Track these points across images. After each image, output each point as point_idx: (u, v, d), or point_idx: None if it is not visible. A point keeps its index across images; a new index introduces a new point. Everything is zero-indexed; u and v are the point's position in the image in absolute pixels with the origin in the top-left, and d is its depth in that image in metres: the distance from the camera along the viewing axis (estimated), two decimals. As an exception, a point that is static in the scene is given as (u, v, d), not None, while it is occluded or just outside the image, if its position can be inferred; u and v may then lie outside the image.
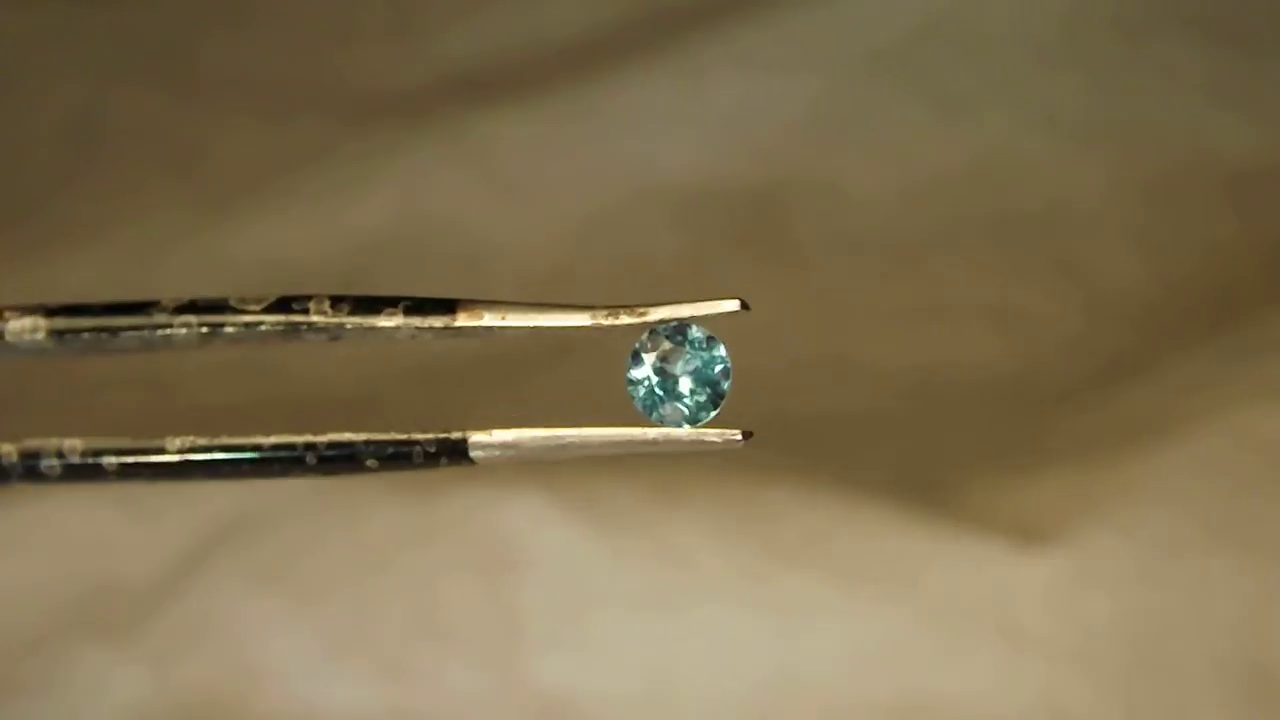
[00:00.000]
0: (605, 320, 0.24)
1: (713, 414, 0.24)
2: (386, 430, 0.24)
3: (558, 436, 0.24)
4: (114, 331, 0.25)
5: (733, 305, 0.23)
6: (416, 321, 0.24)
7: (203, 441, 0.25)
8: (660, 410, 0.24)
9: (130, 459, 0.25)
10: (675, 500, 0.46)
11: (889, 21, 0.58)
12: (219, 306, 0.25)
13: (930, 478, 0.47)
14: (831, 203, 0.56)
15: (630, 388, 0.24)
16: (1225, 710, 0.43)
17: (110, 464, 0.25)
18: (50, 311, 0.25)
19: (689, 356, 0.24)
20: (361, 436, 0.24)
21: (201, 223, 0.56)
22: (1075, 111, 0.58)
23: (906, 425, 0.50)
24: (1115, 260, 0.54)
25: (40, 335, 0.25)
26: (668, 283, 0.54)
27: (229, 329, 0.25)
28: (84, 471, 0.25)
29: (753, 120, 0.58)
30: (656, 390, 0.24)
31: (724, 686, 0.44)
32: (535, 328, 0.24)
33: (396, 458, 0.24)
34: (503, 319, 0.24)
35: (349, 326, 0.24)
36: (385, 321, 0.25)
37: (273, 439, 0.25)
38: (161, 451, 0.25)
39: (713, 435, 0.24)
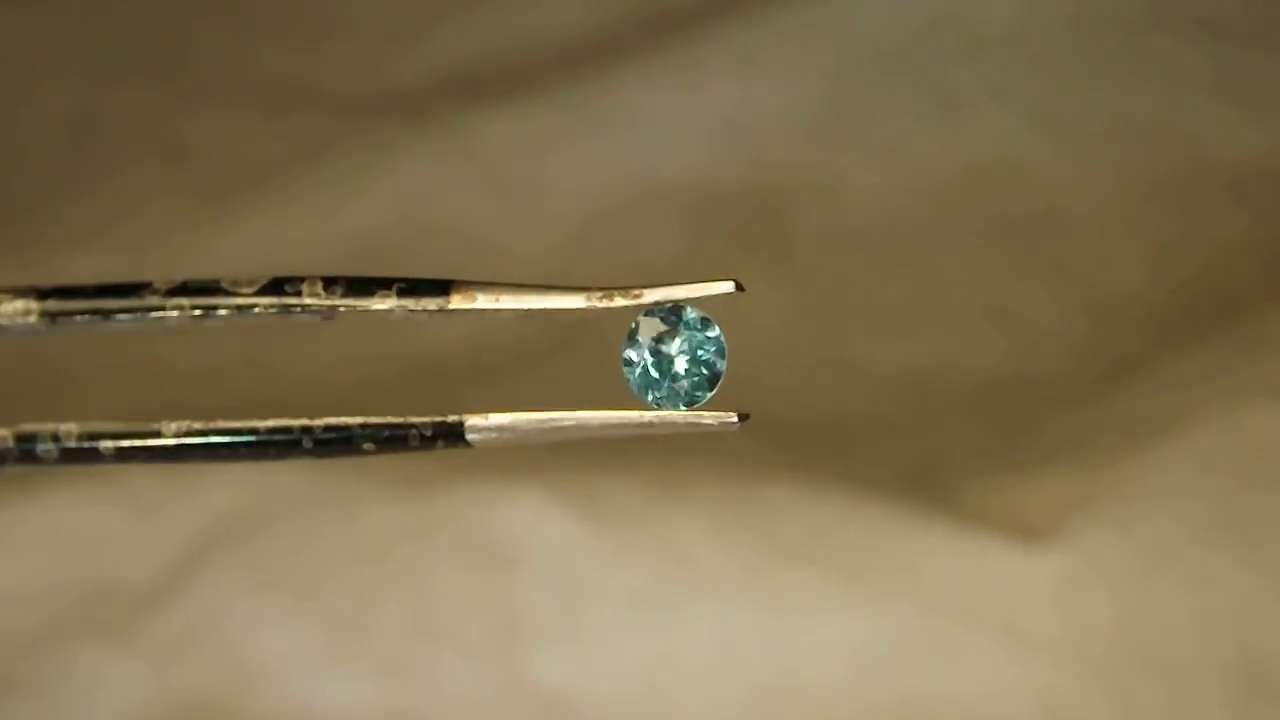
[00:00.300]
0: (600, 302, 0.24)
1: (709, 395, 0.24)
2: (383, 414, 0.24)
3: (554, 419, 0.24)
4: (106, 314, 0.25)
5: (727, 286, 0.24)
6: (410, 303, 0.24)
7: (199, 425, 0.25)
8: (656, 391, 0.24)
9: (126, 443, 0.25)
10: (675, 497, 0.46)
11: (889, 21, 0.58)
12: (211, 289, 0.25)
13: (930, 476, 0.47)
14: (831, 202, 0.56)
15: (625, 369, 0.24)
16: (1224, 708, 0.42)
17: (107, 448, 0.25)
18: (42, 294, 0.25)
19: (684, 337, 0.24)
20: (357, 420, 0.24)
21: (199, 221, 0.56)
22: (1076, 111, 0.58)
23: (906, 423, 0.50)
24: (1115, 260, 0.54)
25: (32, 318, 0.25)
26: (670, 280, 0.54)
27: (222, 311, 0.25)
28: (80, 455, 0.25)
29: (752, 120, 0.58)
30: (651, 371, 0.24)
31: (723, 684, 0.44)
32: (529, 309, 0.24)
33: (393, 440, 0.24)
34: (497, 301, 0.24)
35: (342, 308, 0.24)
36: (379, 304, 0.24)
37: (269, 422, 0.24)
38: (158, 435, 0.25)
39: (709, 418, 0.24)
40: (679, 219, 0.56)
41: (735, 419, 0.23)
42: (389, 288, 0.24)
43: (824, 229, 0.56)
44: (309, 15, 0.61)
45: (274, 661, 0.45)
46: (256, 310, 0.25)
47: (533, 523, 0.46)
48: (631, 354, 0.24)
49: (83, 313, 0.25)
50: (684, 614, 0.45)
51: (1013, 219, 0.56)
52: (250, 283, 0.25)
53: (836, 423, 0.50)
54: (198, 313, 0.25)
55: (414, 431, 0.24)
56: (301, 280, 0.24)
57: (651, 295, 0.24)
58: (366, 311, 0.25)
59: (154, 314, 0.25)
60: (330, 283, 0.24)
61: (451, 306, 0.24)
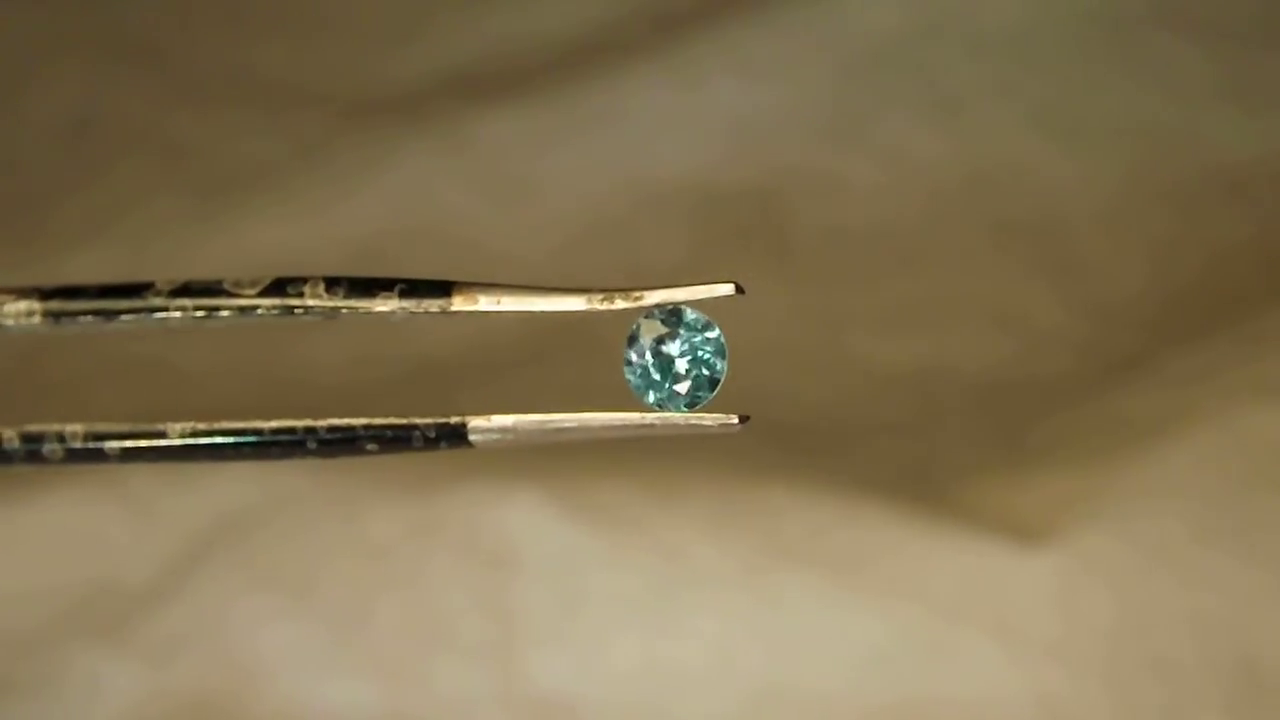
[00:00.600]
0: (600, 304, 0.24)
1: (710, 396, 0.24)
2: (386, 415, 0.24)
3: (555, 420, 0.24)
4: (109, 314, 0.25)
5: (727, 289, 0.24)
6: (411, 305, 0.24)
7: (204, 426, 0.25)
8: (656, 392, 0.24)
9: (132, 443, 0.25)
10: (672, 498, 0.46)
11: (891, 20, 0.58)
12: (214, 289, 0.25)
13: (929, 476, 0.47)
14: (832, 202, 0.56)
15: (626, 371, 0.24)
16: (1223, 707, 0.43)
17: (112, 449, 0.25)
18: (45, 294, 0.25)
19: (685, 339, 0.24)
20: (361, 421, 0.24)
21: (197, 219, 0.56)
22: (1077, 111, 0.58)
23: (905, 423, 0.50)
24: (1115, 259, 0.54)
25: (36, 318, 0.25)
26: (667, 281, 0.54)
27: (224, 312, 0.25)
28: (85, 455, 0.25)
29: (752, 120, 0.58)
30: (652, 373, 0.24)
31: (721, 684, 0.44)
32: (530, 311, 0.24)
33: (396, 441, 0.24)
34: (498, 302, 0.24)
35: (344, 310, 0.24)
36: (381, 305, 0.25)
37: (273, 423, 0.25)
38: (163, 436, 0.25)
39: (710, 419, 0.24)
40: (679, 219, 0.56)
41: (736, 421, 0.23)
42: (390, 289, 0.24)
43: (825, 229, 0.56)
44: (308, 14, 0.61)
45: (272, 661, 0.45)
46: (259, 311, 0.25)
47: (530, 523, 0.46)
48: (632, 356, 0.24)
49: (86, 313, 0.25)
50: (682, 614, 0.45)
51: (1013, 219, 0.56)
52: (253, 284, 0.25)
53: (836, 423, 0.50)
54: (200, 314, 0.25)
55: (417, 433, 0.24)
56: (304, 281, 0.25)
57: (652, 297, 0.24)
58: (368, 313, 0.25)
59: (156, 314, 0.25)
60: (332, 283, 0.25)
61: (453, 308, 0.24)
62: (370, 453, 0.24)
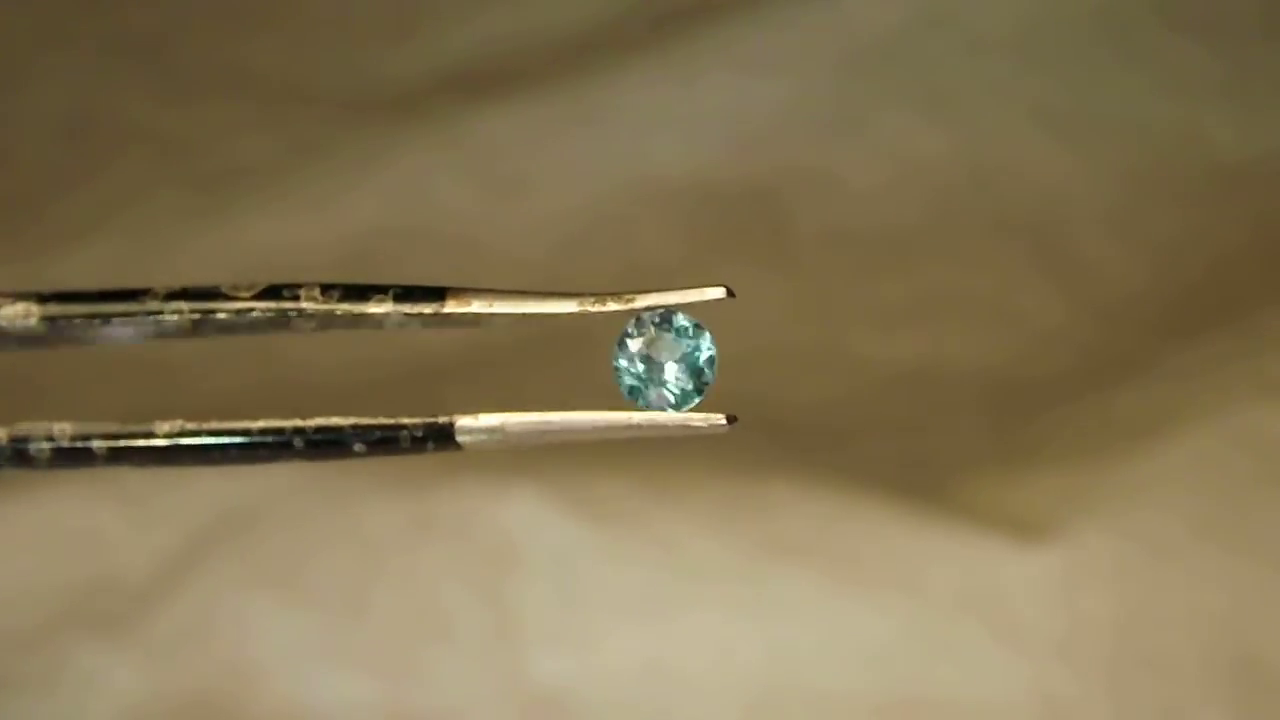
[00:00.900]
0: (592, 307, 0.24)
1: (697, 401, 0.24)
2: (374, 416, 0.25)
3: (543, 421, 0.24)
4: (106, 318, 0.25)
5: (718, 293, 0.24)
6: (405, 308, 0.25)
7: (191, 426, 0.25)
8: (645, 396, 0.24)
9: (119, 443, 0.25)
10: (672, 494, 0.46)
11: (884, 19, 0.58)
12: (210, 294, 0.25)
13: (926, 473, 0.47)
14: (827, 199, 0.56)
15: (616, 375, 0.24)
16: (1218, 706, 0.43)
17: (99, 448, 0.25)
18: (43, 298, 0.25)
19: (675, 344, 0.24)
20: (349, 421, 0.25)
21: (200, 220, 0.56)
22: (1077, 109, 0.58)
23: (902, 421, 0.50)
24: (1114, 258, 0.54)
25: (33, 320, 0.25)
26: (664, 279, 0.54)
27: (220, 315, 0.25)
28: (73, 455, 0.25)
29: (748, 117, 0.58)
30: (642, 376, 0.24)
31: (719, 681, 0.44)
32: (523, 315, 0.24)
33: (384, 442, 0.24)
34: (490, 306, 0.24)
35: (338, 313, 0.25)
36: (374, 308, 0.25)
37: (261, 423, 0.25)
38: (150, 435, 0.25)
39: (698, 419, 0.24)
40: (675, 215, 0.56)
41: (724, 421, 0.24)
42: (384, 293, 0.25)
43: (823, 226, 0.56)
44: (305, 11, 0.61)
45: (270, 657, 0.45)
46: (254, 315, 0.25)
47: (529, 520, 0.46)
48: (622, 360, 0.24)
49: (83, 317, 0.25)
50: (680, 610, 0.45)
51: (1012, 217, 0.56)
52: (249, 288, 0.25)
53: (835, 420, 0.50)
54: (196, 316, 0.25)
55: (405, 433, 0.24)
56: (299, 286, 0.25)
57: (643, 301, 0.24)
58: (362, 315, 0.25)
59: (153, 317, 0.25)
60: (327, 288, 0.25)
61: (446, 311, 0.24)
62: (358, 454, 0.24)
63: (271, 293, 0.25)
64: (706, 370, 0.24)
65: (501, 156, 0.57)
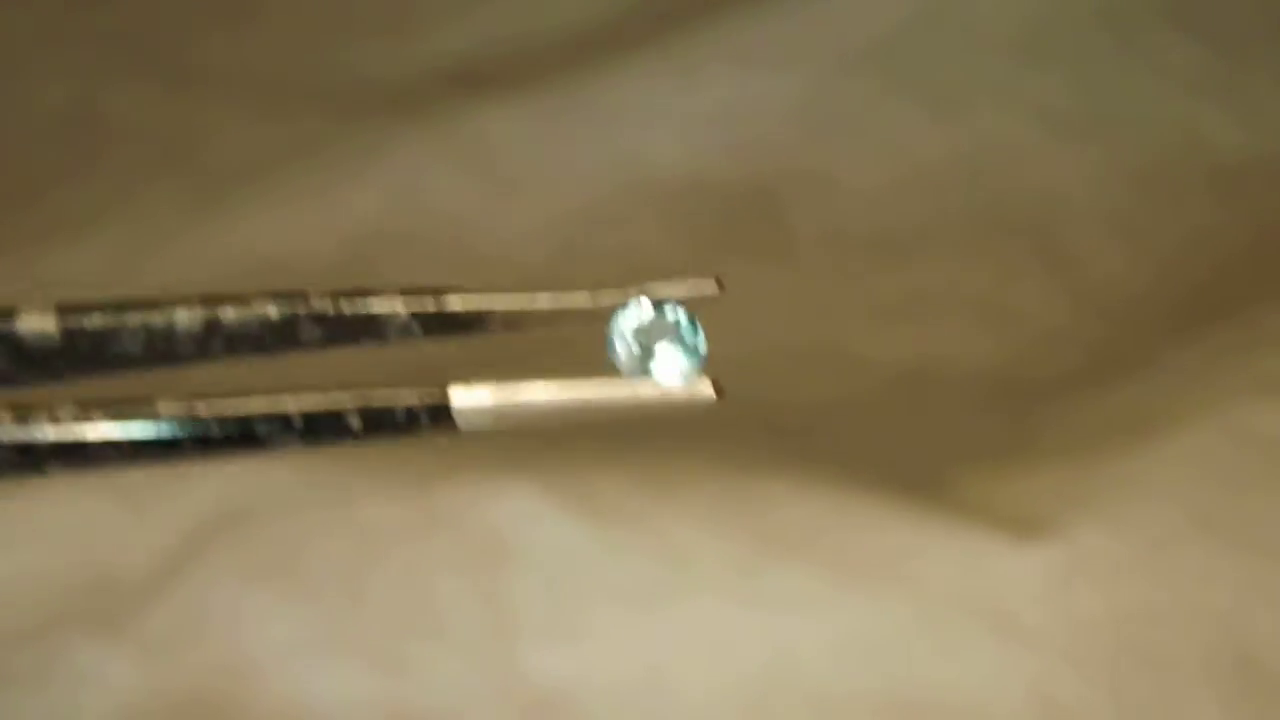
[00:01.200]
0: (587, 301, 0.24)
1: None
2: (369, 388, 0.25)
3: (531, 387, 0.24)
4: (121, 327, 0.25)
5: (710, 285, 0.24)
6: (410, 302, 0.25)
7: (201, 405, 0.25)
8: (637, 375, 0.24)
9: (116, 423, 0.25)
10: (670, 491, 0.46)
11: (880, 16, 0.59)
12: (220, 300, 0.25)
13: (923, 471, 0.47)
14: (824, 197, 0.56)
15: (608, 366, 0.24)
16: (1216, 703, 0.43)
17: (95, 436, 0.25)
18: (61, 308, 0.25)
19: (666, 334, 0.24)
20: (345, 395, 0.25)
21: (196, 216, 0.56)
22: (1065, 106, 0.58)
23: (899, 419, 0.50)
24: (1107, 254, 0.54)
25: (50, 329, 0.25)
26: (662, 276, 0.54)
27: (229, 318, 0.25)
28: (69, 454, 0.25)
29: (746, 115, 0.58)
30: (634, 368, 0.24)
31: (718, 679, 0.44)
32: (520, 311, 0.24)
33: (379, 423, 0.24)
34: (489, 304, 0.24)
35: (346, 313, 0.25)
36: (378, 306, 0.25)
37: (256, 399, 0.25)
38: (154, 413, 0.25)
39: (680, 389, 0.24)
40: (673, 212, 0.56)
41: (710, 390, 0.24)
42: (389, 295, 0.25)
43: (821, 224, 0.56)
44: (306, 8, 0.61)
45: (268, 655, 0.45)
46: (264, 319, 0.25)
47: (526, 515, 0.46)
48: (614, 351, 0.24)
49: (99, 326, 0.25)
50: (679, 609, 0.45)
51: (1010, 215, 0.56)
52: (259, 294, 0.25)
53: (832, 417, 0.50)
54: (208, 322, 0.25)
55: (400, 408, 0.24)
56: (305, 292, 0.25)
57: (636, 293, 0.24)
58: (366, 315, 0.25)
59: (166, 325, 0.25)
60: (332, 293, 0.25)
61: (448, 309, 0.25)
62: (354, 432, 0.24)
63: (279, 298, 0.25)
64: (698, 363, 0.24)
65: (501, 154, 0.57)
